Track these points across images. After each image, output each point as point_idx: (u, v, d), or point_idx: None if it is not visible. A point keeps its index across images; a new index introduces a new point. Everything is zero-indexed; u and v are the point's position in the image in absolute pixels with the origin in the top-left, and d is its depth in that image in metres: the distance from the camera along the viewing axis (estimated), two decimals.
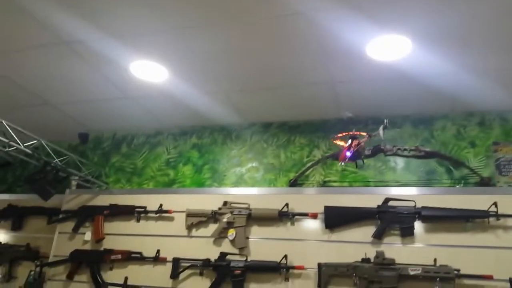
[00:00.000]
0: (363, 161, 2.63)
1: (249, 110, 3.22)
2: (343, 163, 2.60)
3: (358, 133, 2.57)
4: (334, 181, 2.99)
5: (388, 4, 2.05)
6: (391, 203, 2.61)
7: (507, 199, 2.42)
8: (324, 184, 3.00)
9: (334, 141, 2.67)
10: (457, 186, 2.70)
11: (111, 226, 3.15)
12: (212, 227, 2.91)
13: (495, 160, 2.65)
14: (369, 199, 2.68)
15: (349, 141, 2.54)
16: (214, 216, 2.92)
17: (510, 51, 2.30)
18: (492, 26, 2.14)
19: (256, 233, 2.85)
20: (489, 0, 1.97)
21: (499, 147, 2.67)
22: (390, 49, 2.36)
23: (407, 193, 2.65)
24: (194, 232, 2.97)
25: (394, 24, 2.19)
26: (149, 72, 2.77)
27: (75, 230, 3.19)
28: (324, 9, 2.11)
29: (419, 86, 2.69)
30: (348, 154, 2.52)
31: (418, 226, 2.54)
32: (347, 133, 2.61)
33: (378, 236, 2.56)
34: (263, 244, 2.81)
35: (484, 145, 2.77)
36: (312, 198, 2.84)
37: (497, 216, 2.38)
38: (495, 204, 2.38)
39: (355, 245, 2.62)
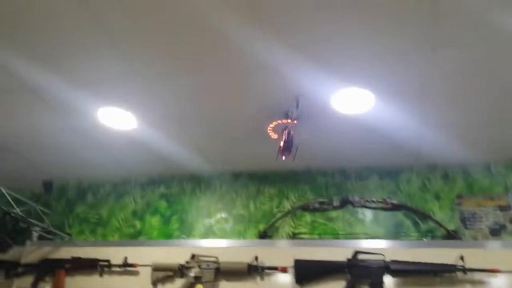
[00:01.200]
0: (295, 151, 2.50)
1: (218, 159, 3.21)
2: (283, 157, 2.49)
3: (286, 120, 2.49)
4: (304, 233, 2.98)
5: (351, 59, 2.12)
6: (361, 256, 2.61)
7: (473, 252, 2.46)
8: (294, 236, 2.98)
9: (269, 134, 2.57)
10: (424, 239, 2.73)
11: (73, 281, 3.01)
12: (179, 282, 2.82)
13: (459, 213, 2.71)
14: (339, 251, 2.67)
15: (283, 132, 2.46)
16: (181, 271, 2.84)
17: (466, 107, 2.39)
18: (449, 83, 2.22)
19: None
20: (444, 59, 2.06)
21: (462, 200, 2.74)
22: (354, 102, 2.42)
23: (376, 246, 2.67)
24: (160, 287, 2.86)
25: (357, 78, 2.26)
26: (116, 119, 2.74)
27: (34, 285, 3.02)
28: (289, 61, 2.16)
29: (383, 139, 2.75)
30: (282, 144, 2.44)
31: (388, 280, 2.54)
32: (277, 122, 2.53)
33: None
34: None
35: (448, 198, 2.83)
36: (282, 251, 2.81)
37: (465, 270, 2.40)
38: (461, 258, 2.42)
39: None
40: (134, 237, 3.25)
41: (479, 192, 2.79)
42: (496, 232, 2.60)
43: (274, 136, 2.61)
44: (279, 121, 2.53)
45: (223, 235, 3.11)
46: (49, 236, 3.19)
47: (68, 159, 3.33)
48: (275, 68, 2.21)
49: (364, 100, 2.40)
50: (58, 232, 3.22)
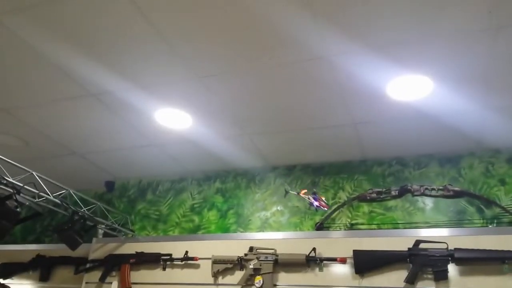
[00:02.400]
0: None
1: (271, 153, 3.24)
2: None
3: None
4: (362, 224, 2.93)
5: (407, 46, 2.08)
6: (422, 245, 2.54)
7: None
8: (351, 227, 2.94)
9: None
10: (490, 226, 2.61)
11: (137, 275, 3.14)
12: (239, 274, 2.87)
13: None
14: (398, 241, 2.62)
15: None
16: (240, 263, 2.89)
17: None
18: (508, 63, 2.13)
19: (284, 280, 2.80)
20: (509, 40, 1.97)
21: None
22: (411, 89, 2.37)
23: (438, 235, 2.58)
24: (220, 279, 2.93)
25: (415, 65, 2.21)
26: (173, 119, 2.84)
27: (102, 279, 3.19)
28: (344, 53, 2.15)
29: (442, 125, 2.67)
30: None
31: (451, 269, 2.46)
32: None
33: (411, 281, 2.48)
34: None
35: None
36: (339, 242, 2.78)
37: None
38: None
39: None
40: (193, 232, 3.35)
41: None
42: None
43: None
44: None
45: (279, 227, 3.13)
46: (114, 233, 3.34)
47: (128, 159, 3.49)
48: (329, 59, 2.20)
49: (421, 86, 2.34)
50: (122, 229, 3.37)
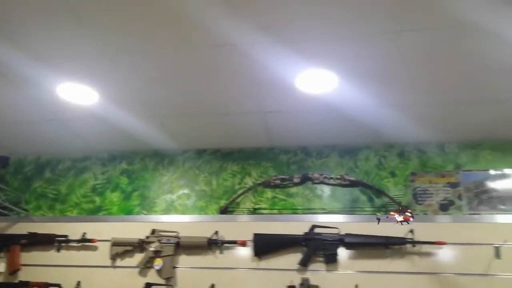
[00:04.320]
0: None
1: (181, 136, 3.20)
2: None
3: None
4: (264, 209, 3.03)
5: (316, 42, 2.15)
6: (317, 230, 2.69)
7: (422, 226, 2.58)
8: (254, 211, 3.02)
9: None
10: (378, 214, 2.83)
11: (29, 257, 2.96)
12: (139, 257, 2.83)
13: (412, 189, 2.82)
14: (297, 226, 2.75)
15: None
16: (141, 245, 2.84)
17: (424, 88, 2.47)
18: (409, 66, 2.29)
19: (184, 262, 2.82)
20: (407, 43, 2.11)
21: (416, 177, 2.84)
22: (318, 82, 2.47)
23: (333, 220, 2.75)
24: (119, 262, 2.87)
25: (322, 60, 2.30)
26: (78, 94, 2.68)
27: None
28: (256, 43, 2.18)
29: (344, 119, 2.81)
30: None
31: (341, 252, 2.64)
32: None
33: (304, 263, 2.62)
34: (191, 274, 2.78)
35: (402, 175, 2.94)
36: (242, 226, 2.86)
37: (413, 242, 2.52)
38: (411, 231, 2.53)
39: (282, 273, 2.66)
40: (93, 213, 3.22)
41: (431, 169, 2.91)
42: (445, 207, 2.72)
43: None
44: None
45: (185, 210, 3.12)
46: (5, 212, 3.11)
47: (27, 134, 3.25)
48: (241, 48, 2.21)
49: (327, 80, 2.44)
50: (14, 208, 3.15)
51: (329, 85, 2.49)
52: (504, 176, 2.74)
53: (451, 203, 2.72)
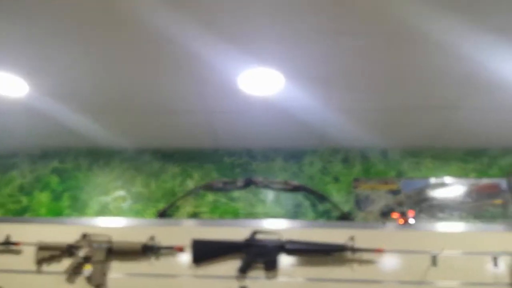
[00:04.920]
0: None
1: (120, 134, 3.02)
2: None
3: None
4: (205, 213, 2.91)
5: (260, 40, 2.08)
6: (258, 236, 2.62)
7: (363, 233, 2.57)
8: (195, 215, 2.89)
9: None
10: (320, 220, 2.79)
11: None
12: (67, 262, 2.63)
13: (355, 195, 2.80)
14: (239, 232, 2.66)
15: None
16: (69, 250, 2.65)
17: (368, 94, 2.46)
18: (351, 70, 2.27)
19: (117, 269, 2.65)
20: (348, 47, 2.08)
21: (359, 184, 2.84)
22: (263, 83, 2.39)
23: (275, 226, 2.69)
24: (45, 267, 2.66)
25: (266, 60, 2.22)
26: (5, 85, 2.45)
27: None
28: (197, 38, 2.07)
29: (291, 121, 2.76)
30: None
31: (282, 259, 2.57)
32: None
33: (243, 270, 2.53)
34: (124, 281, 2.62)
35: (346, 181, 2.91)
36: (181, 231, 2.73)
37: (353, 250, 2.50)
38: (351, 238, 2.51)
39: (221, 280, 2.57)
40: (19, 214, 2.97)
41: (374, 176, 2.90)
42: (385, 214, 2.73)
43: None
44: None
45: (120, 213, 2.94)
46: None
47: None
48: (181, 43, 2.09)
49: (272, 81, 2.36)
50: None
51: (274, 86, 2.42)
52: (444, 184, 2.79)
53: (392, 210, 2.73)
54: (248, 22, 1.96)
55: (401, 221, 2.67)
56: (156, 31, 2.03)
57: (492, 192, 2.76)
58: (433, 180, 2.80)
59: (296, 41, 2.07)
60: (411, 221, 2.65)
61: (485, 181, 2.79)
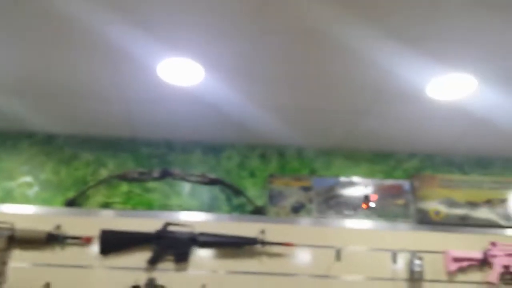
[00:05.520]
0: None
1: (30, 118, 2.85)
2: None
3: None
4: (118, 203, 2.83)
5: (178, 29, 2.05)
6: (171, 228, 2.60)
7: (274, 227, 2.65)
8: (106, 206, 2.81)
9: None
10: (234, 213, 2.83)
11: None
12: None
13: (269, 191, 2.88)
14: (151, 223, 2.63)
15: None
16: None
17: (284, 91, 2.50)
18: (271, 67, 2.31)
19: (19, 257, 2.52)
20: (268, 45, 2.12)
21: (274, 179, 2.91)
22: (183, 73, 2.36)
23: (189, 218, 2.69)
24: None
25: (185, 49, 2.20)
26: None
27: None
28: (111, 23, 2.00)
29: (211, 114, 2.75)
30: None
31: (194, 252, 2.58)
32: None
33: (152, 262, 2.51)
34: (26, 271, 2.49)
35: (262, 176, 2.97)
36: (90, 221, 2.65)
37: (263, 243, 2.57)
38: (262, 231, 2.58)
39: (128, 272, 2.52)
40: None
41: (289, 173, 3.00)
42: (296, 210, 2.83)
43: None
44: None
45: (25, 201, 2.77)
46: None
47: None
48: (92, 25, 2.00)
49: (193, 71, 2.34)
50: None
51: (194, 78, 2.39)
52: (352, 183, 2.94)
53: (303, 206, 2.84)
54: (167, 12, 1.93)
55: (365, 206, 2.82)
56: (72, 18, 1.95)
57: (395, 192, 2.96)
58: (342, 179, 2.95)
59: (216, 34, 2.07)
60: (372, 204, 2.83)
61: (389, 182, 2.99)
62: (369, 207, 2.86)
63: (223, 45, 2.15)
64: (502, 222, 2.89)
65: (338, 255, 2.61)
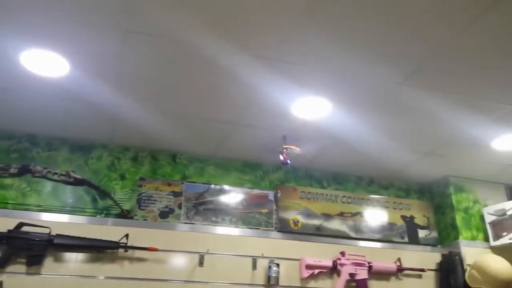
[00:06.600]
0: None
1: None
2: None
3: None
4: None
5: (42, 21, 1.93)
6: (25, 228, 2.42)
7: (140, 232, 2.62)
8: None
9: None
10: (99, 216, 2.74)
11: None
12: None
13: (138, 194, 2.84)
14: (4, 222, 2.42)
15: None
16: None
17: (156, 95, 2.49)
18: (138, 68, 2.27)
19: None
20: (134, 45, 2.09)
21: (144, 183, 2.89)
22: (46, 64, 2.20)
23: (48, 219, 2.53)
24: None
25: (49, 41, 2.07)
26: None
27: None
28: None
29: (81, 112, 2.64)
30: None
31: (50, 254, 2.43)
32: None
33: (1, 264, 2.30)
34: None
35: (132, 179, 2.93)
36: None
37: (126, 247, 2.52)
38: (126, 236, 2.53)
39: None
40: None
41: (160, 177, 3.00)
42: (165, 214, 2.84)
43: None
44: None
45: None
46: None
47: None
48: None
49: (56, 64, 2.20)
50: None
51: (59, 70, 2.26)
52: (222, 191, 3.05)
53: (171, 211, 2.86)
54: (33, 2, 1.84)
55: (283, 158, 2.86)
56: None
57: (261, 201, 3.14)
58: (213, 186, 3.04)
59: (82, 29, 2.00)
60: (288, 162, 2.88)
61: (256, 191, 3.16)
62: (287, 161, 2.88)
63: (89, 41, 2.08)
64: (351, 233, 3.23)
65: (201, 261, 2.68)
